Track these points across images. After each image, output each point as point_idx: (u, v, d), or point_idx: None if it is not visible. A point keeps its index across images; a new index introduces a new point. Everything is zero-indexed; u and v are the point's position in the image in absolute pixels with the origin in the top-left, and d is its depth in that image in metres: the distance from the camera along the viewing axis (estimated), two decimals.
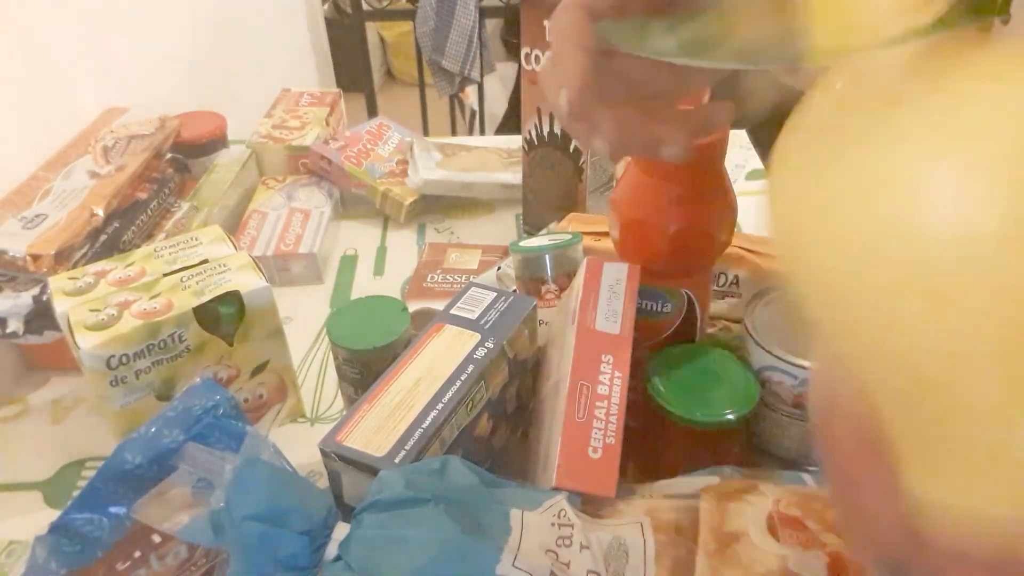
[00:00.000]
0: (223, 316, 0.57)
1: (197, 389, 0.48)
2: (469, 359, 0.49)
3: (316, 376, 0.69)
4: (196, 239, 0.62)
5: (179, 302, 0.55)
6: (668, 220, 0.50)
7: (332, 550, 0.39)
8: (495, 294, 0.55)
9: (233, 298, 0.56)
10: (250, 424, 0.48)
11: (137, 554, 0.44)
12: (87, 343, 0.51)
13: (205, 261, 0.59)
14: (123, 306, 0.54)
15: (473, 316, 0.52)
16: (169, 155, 0.85)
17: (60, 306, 0.55)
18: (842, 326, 0.25)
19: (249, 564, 0.38)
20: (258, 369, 0.60)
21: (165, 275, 0.58)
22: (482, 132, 2.05)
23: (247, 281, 0.57)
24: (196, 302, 0.55)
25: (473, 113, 2.15)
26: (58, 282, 0.58)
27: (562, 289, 0.61)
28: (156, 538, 0.44)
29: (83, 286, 0.57)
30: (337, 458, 0.44)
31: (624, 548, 0.39)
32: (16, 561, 0.53)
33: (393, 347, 0.55)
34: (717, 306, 0.64)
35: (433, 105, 1.98)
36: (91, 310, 0.54)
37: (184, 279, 0.57)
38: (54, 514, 0.44)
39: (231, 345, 0.57)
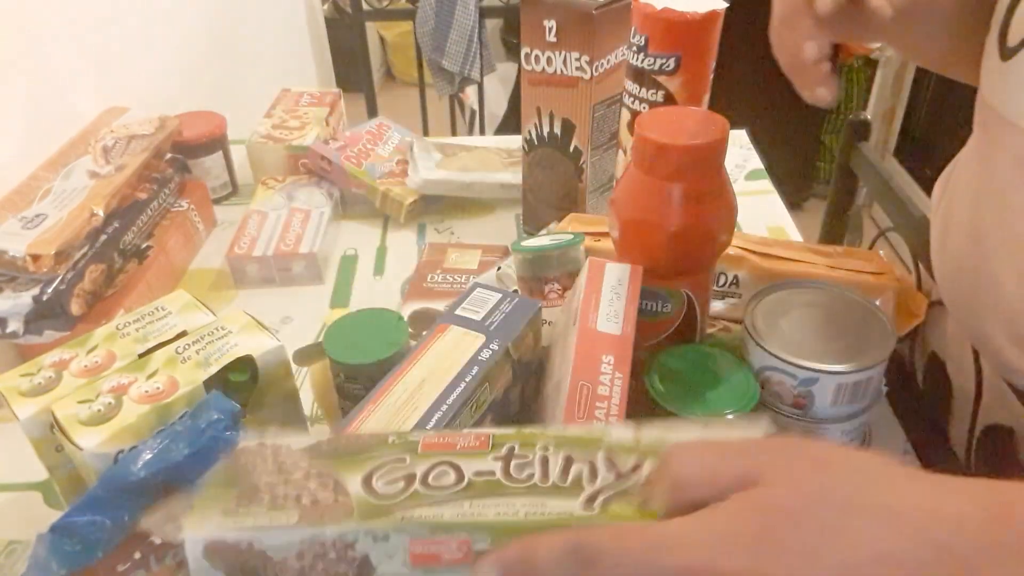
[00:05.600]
0: (234, 385, 0.51)
1: (206, 403, 0.47)
2: (474, 361, 0.49)
3: None
4: (163, 309, 0.55)
5: (184, 378, 0.48)
6: (668, 220, 0.50)
7: None
8: (500, 295, 0.55)
9: (244, 364, 0.51)
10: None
11: (137, 555, 0.44)
12: (89, 442, 0.44)
13: (183, 333, 0.52)
14: (119, 391, 0.47)
15: (478, 317, 0.52)
16: (169, 155, 0.85)
17: (22, 411, 0.47)
18: None
19: None
20: None
21: (141, 355, 0.50)
22: (482, 132, 2.05)
23: (257, 343, 0.51)
24: (204, 375, 0.49)
25: (473, 113, 2.15)
26: (9, 382, 0.49)
27: (565, 288, 0.61)
28: (156, 540, 0.44)
29: (43, 383, 0.49)
30: None
31: None
32: (16, 561, 0.53)
33: (396, 358, 0.55)
34: (717, 306, 0.64)
35: (433, 105, 1.98)
36: (80, 402, 0.46)
37: (180, 350, 0.50)
38: (54, 514, 0.44)
39: (243, 417, 0.49)
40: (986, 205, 0.49)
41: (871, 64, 2.40)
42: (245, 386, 0.52)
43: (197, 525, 0.34)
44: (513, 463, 0.35)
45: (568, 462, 0.35)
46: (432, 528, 0.33)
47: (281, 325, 0.74)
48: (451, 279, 0.75)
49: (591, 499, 0.33)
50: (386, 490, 0.34)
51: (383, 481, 0.35)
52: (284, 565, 0.33)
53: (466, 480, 0.35)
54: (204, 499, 0.36)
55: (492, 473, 0.35)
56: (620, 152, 0.78)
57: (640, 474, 0.34)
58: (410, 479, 0.35)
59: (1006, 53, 0.46)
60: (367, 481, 0.35)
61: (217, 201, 0.93)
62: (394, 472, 0.35)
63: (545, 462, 0.36)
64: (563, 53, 0.71)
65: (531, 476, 0.35)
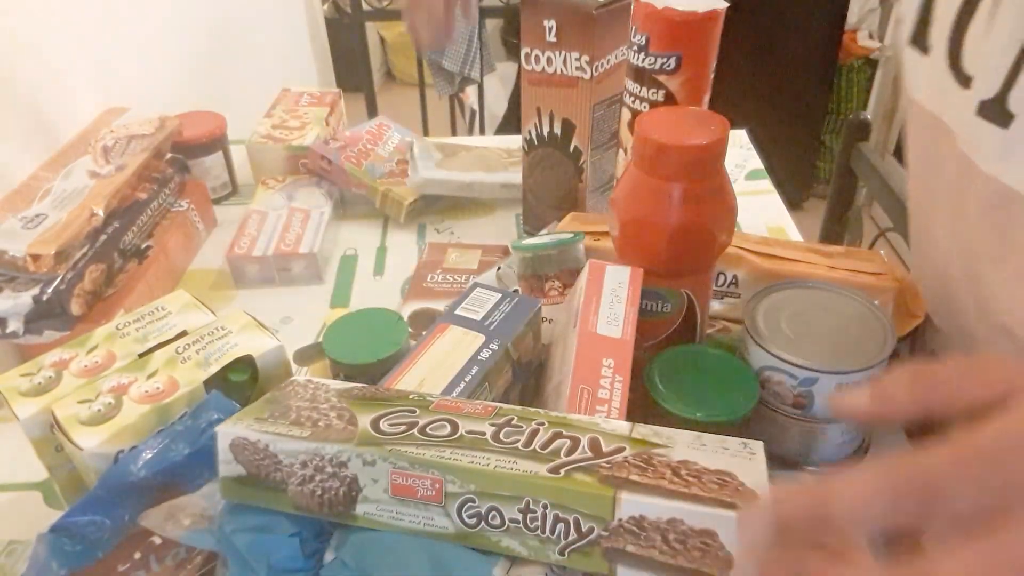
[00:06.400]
0: (233, 385, 0.51)
1: (206, 404, 0.47)
2: (473, 360, 0.49)
3: None
4: (163, 309, 0.55)
5: (183, 378, 0.48)
6: (668, 220, 0.50)
7: (332, 554, 0.39)
8: (500, 295, 0.55)
9: (244, 364, 0.51)
10: None
11: (137, 555, 0.44)
12: (90, 442, 0.44)
13: (183, 333, 0.52)
14: (119, 391, 0.48)
15: (478, 317, 0.52)
16: (169, 155, 0.85)
17: (22, 411, 0.47)
18: None
19: (246, 571, 0.38)
20: None
21: (141, 355, 0.51)
22: (482, 132, 2.05)
23: (257, 343, 0.51)
24: (204, 375, 0.49)
25: (473, 113, 2.15)
26: (9, 382, 0.49)
27: (566, 286, 0.61)
28: (156, 540, 0.44)
29: (43, 383, 0.49)
30: None
31: None
32: (16, 561, 0.53)
33: (396, 358, 0.55)
34: (717, 306, 0.64)
35: (433, 105, 1.98)
36: (80, 402, 0.47)
37: (180, 350, 0.50)
38: (54, 514, 0.44)
39: None
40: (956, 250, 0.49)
41: (871, 64, 2.40)
42: (245, 386, 0.52)
43: (231, 423, 0.41)
44: (505, 430, 0.40)
45: (554, 437, 0.39)
46: (411, 462, 0.37)
47: (281, 325, 0.74)
48: (451, 279, 0.75)
49: (559, 467, 0.36)
50: (388, 430, 0.39)
51: (388, 423, 0.40)
52: (291, 471, 0.39)
53: (458, 435, 0.39)
54: (246, 410, 0.43)
55: (483, 433, 0.39)
56: (620, 152, 0.78)
57: (619, 457, 0.37)
58: (411, 425, 0.40)
59: (962, 79, 0.43)
60: (376, 420, 0.40)
61: (217, 201, 0.93)
62: (401, 419, 0.40)
63: (534, 434, 0.39)
64: (563, 53, 0.71)
65: (516, 441, 0.38)
